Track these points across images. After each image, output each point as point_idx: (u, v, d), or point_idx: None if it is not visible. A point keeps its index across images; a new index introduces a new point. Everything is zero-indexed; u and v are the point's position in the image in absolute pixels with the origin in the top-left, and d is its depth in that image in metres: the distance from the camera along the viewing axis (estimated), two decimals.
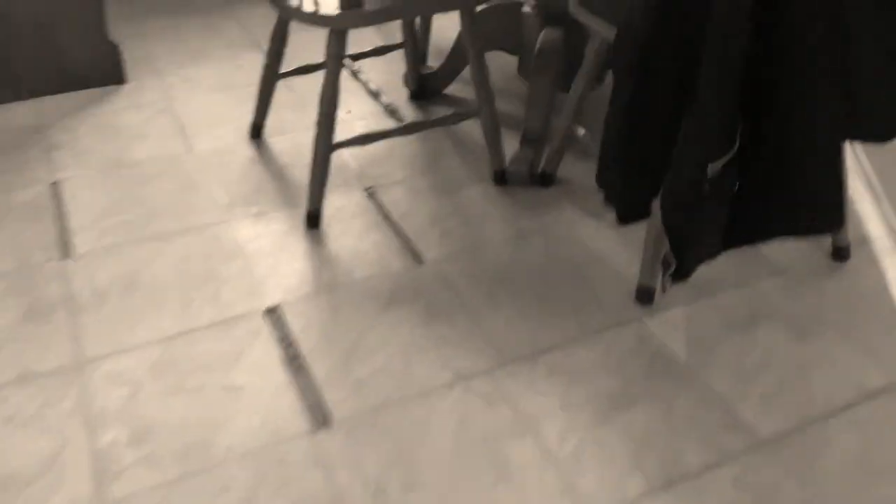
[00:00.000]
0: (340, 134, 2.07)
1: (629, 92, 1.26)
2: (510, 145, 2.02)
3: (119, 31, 2.63)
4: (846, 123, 1.37)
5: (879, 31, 1.28)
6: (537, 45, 1.91)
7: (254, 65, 2.42)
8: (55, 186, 1.88)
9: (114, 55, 2.28)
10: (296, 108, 2.18)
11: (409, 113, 2.17)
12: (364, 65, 2.43)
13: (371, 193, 1.85)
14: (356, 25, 1.56)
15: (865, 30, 1.27)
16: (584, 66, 1.67)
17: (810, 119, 1.26)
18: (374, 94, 2.26)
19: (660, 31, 1.22)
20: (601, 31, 1.53)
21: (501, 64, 2.42)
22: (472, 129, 2.09)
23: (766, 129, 1.28)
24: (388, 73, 2.38)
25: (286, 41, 1.88)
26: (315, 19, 1.54)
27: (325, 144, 1.67)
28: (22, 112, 2.18)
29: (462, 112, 1.82)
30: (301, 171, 1.94)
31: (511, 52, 2.10)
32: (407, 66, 2.16)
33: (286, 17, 1.76)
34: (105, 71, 2.29)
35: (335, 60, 1.61)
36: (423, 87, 2.21)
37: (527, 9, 2.00)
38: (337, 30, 1.59)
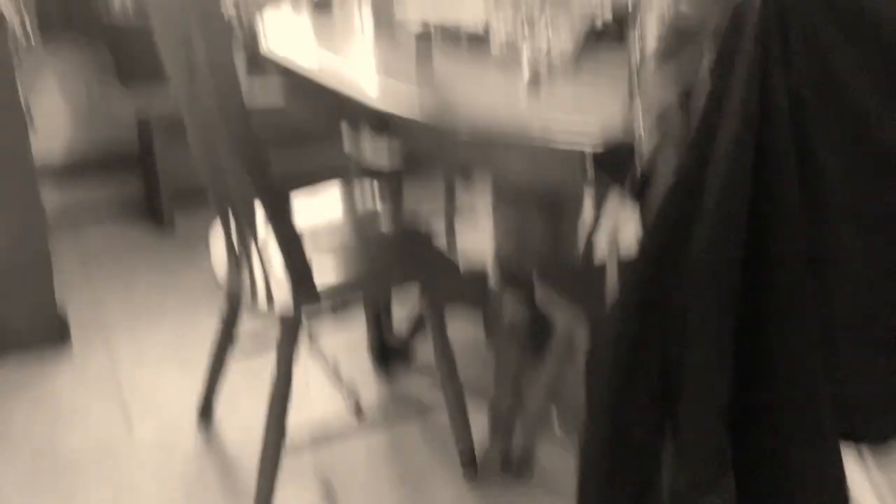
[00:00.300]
0: (296, 412, 1.90)
1: (607, 430, 1.12)
2: (483, 417, 1.87)
3: (71, 282, 2.51)
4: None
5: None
6: (502, 312, 1.81)
7: (211, 323, 2.28)
8: None
9: (59, 318, 2.15)
10: (250, 379, 2.02)
11: (373, 388, 2.01)
12: (323, 328, 2.29)
13: (328, 490, 1.67)
14: (309, 318, 1.46)
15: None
16: (556, 345, 1.56)
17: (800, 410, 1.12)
18: (334, 369, 2.10)
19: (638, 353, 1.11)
20: (568, 317, 1.43)
21: (467, 326, 2.27)
22: (443, 406, 1.94)
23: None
24: (350, 336, 2.22)
25: (237, 323, 1.76)
26: (266, 310, 1.43)
27: (274, 449, 1.51)
28: None
29: (427, 405, 1.68)
30: (251, 461, 1.75)
31: (474, 309, 2.01)
32: (369, 333, 2.05)
33: (235, 306, 1.64)
34: (49, 335, 2.15)
35: (285, 361, 1.48)
36: (389, 355, 2.08)
37: (490, 268, 1.92)
38: (288, 323, 1.47)
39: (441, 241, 2.03)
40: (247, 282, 1.47)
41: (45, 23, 2.63)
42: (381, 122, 1.42)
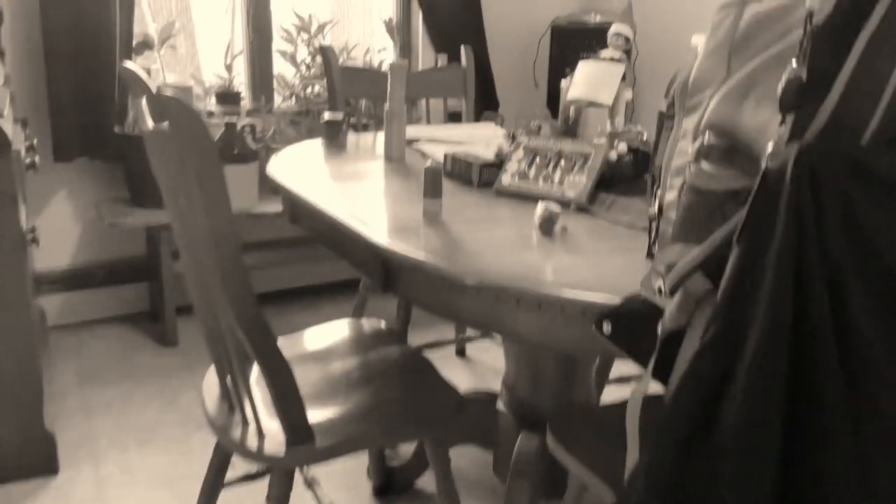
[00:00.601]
0: None
1: None
2: None
3: (65, 396, 2.42)
4: None
5: None
6: (514, 453, 1.71)
7: (205, 449, 2.17)
8: None
9: (47, 444, 2.05)
10: None
11: None
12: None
13: None
14: (307, 463, 1.37)
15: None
16: (571, 490, 1.46)
17: None
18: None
19: None
20: (583, 476, 1.33)
21: (477, 456, 2.15)
22: None
23: None
24: (349, 460, 2.09)
25: (226, 469, 1.64)
26: (260, 457, 1.35)
27: None
28: None
29: None
30: None
31: (485, 447, 1.90)
32: (370, 456, 1.95)
33: (228, 450, 1.55)
34: (36, 461, 2.04)
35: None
36: (390, 481, 1.97)
37: (501, 406, 1.82)
38: (282, 470, 1.38)
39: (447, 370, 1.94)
40: (239, 424, 1.39)
41: (59, 145, 2.67)
42: (384, 273, 1.37)
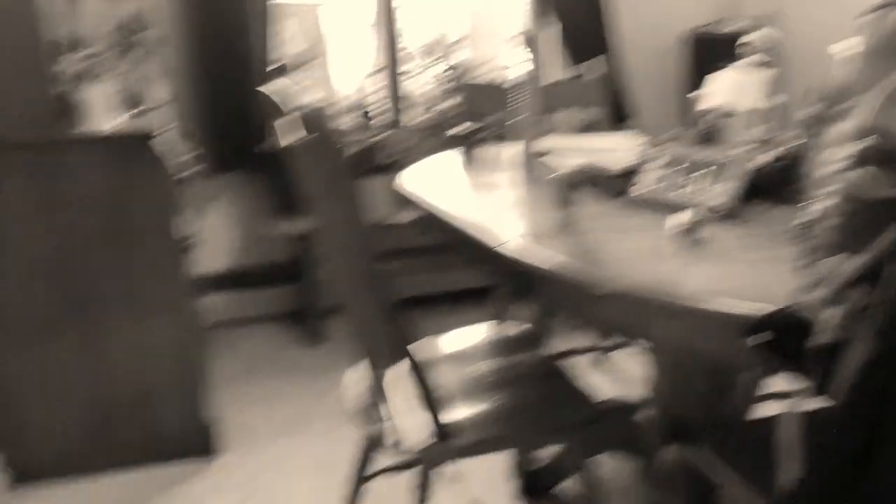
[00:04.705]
0: None
1: None
2: None
3: (220, 388, 2.59)
4: None
5: None
6: (661, 463, 1.67)
7: (352, 442, 2.26)
8: None
9: (206, 430, 2.20)
10: (393, 497, 1.97)
11: None
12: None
13: None
14: (444, 460, 1.39)
15: None
16: None
17: None
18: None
19: None
20: (736, 490, 1.28)
21: (628, 465, 2.12)
22: None
23: None
24: (494, 459, 2.14)
25: (372, 461, 1.70)
26: (400, 451, 1.39)
27: None
28: (109, 486, 2.09)
29: None
30: None
31: (634, 455, 1.87)
32: (515, 456, 1.95)
33: (373, 443, 1.60)
34: (197, 445, 2.20)
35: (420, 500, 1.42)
36: (534, 482, 1.97)
37: (647, 416, 1.79)
38: (425, 465, 1.42)
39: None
40: (383, 418, 1.44)
41: (217, 158, 2.91)
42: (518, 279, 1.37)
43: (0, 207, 1.93)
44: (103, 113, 2.02)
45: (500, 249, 1.34)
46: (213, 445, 2.22)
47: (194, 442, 2.20)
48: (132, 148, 1.99)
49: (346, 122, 3.02)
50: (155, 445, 2.17)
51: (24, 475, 2.09)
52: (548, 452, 2.11)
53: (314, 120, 1.22)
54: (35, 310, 2.01)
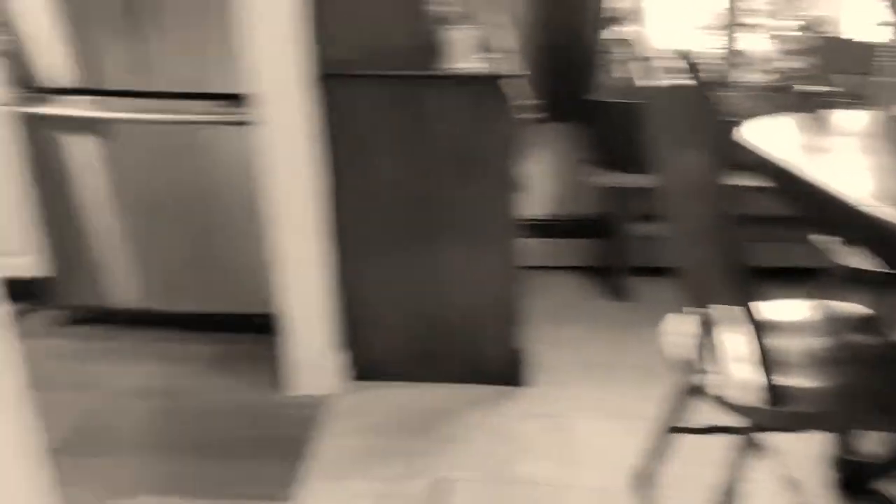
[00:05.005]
0: None
1: None
2: None
3: (533, 334, 2.72)
4: None
5: None
6: None
7: (659, 398, 2.28)
8: (437, 485, 1.91)
9: (519, 361, 2.35)
10: (701, 457, 1.97)
11: None
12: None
13: None
14: (773, 426, 1.36)
15: None
16: None
17: None
18: (790, 480, 1.94)
19: None
20: None
21: None
22: None
23: None
24: (811, 442, 2.03)
25: (683, 417, 1.71)
26: (731, 406, 1.38)
27: None
28: (431, 395, 2.33)
29: None
30: None
31: None
32: (835, 447, 1.84)
33: (687, 397, 1.61)
34: (509, 373, 2.37)
35: (735, 466, 1.40)
36: (852, 476, 1.85)
37: None
38: (752, 427, 1.40)
39: None
40: (705, 371, 1.44)
41: (549, 107, 3.00)
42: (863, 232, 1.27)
43: (376, 136, 2.19)
44: (461, 54, 2.18)
45: (869, 210, 1.25)
46: (524, 376, 2.37)
47: (507, 370, 2.37)
48: (485, 88, 2.14)
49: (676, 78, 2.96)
50: (473, 366, 2.37)
51: (364, 372, 2.40)
52: (870, 448, 1.96)
53: (688, 67, 1.23)
54: (392, 229, 2.27)
